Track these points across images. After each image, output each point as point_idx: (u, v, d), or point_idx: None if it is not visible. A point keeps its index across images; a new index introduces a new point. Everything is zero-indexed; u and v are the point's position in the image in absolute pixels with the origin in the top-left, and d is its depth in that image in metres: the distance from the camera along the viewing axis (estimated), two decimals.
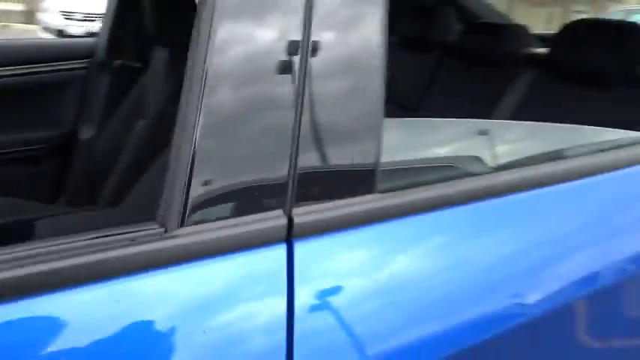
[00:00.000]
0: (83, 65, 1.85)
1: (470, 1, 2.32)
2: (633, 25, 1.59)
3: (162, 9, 1.45)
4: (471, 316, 0.56)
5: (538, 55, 1.86)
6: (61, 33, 8.48)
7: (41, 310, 0.39)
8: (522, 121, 1.54)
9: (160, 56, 1.55)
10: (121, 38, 1.79)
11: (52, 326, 0.39)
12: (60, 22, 8.45)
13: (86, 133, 1.82)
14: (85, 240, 0.43)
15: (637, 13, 9.39)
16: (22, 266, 0.39)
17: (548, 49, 1.76)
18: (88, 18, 8.40)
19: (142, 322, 0.42)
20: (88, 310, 0.42)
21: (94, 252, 0.42)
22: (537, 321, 0.59)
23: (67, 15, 8.47)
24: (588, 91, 1.46)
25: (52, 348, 0.39)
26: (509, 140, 0.84)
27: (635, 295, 0.66)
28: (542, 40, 2.15)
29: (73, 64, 1.85)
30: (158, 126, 1.50)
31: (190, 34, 0.63)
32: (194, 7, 1.35)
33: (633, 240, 0.64)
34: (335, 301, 0.48)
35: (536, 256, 0.61)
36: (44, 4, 8.94)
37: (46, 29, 8.66)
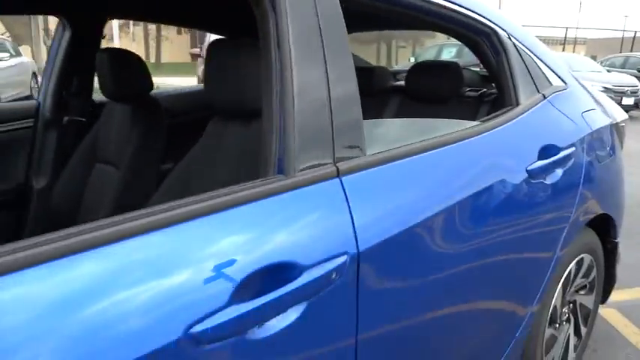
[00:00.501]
0: (26, 125, 2.06)
1: None
2: (453, 63, 2.37)
3: (116, 71, 1.77)
4: None
5: (398, 87, 2.61)
6: None
7: None
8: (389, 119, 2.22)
9: (113, 109, 1.87)
10: (65, 98, 2.06)
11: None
12: None
13: (40, 182, 2.03)
14: None
15: (448, 47, 11.43)
16: None
17: (404, 81, 2.49)
18: None
19: None
20: None
21: None
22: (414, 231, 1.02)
23: None
24: (432, 106, 2.19)
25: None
26: (381, 131, 1.39)
27: (466, 215, 1.19)
28: (397, 73, 2.92)
29: (16, 124, 2.06)
30: (120, 168, 1.82)
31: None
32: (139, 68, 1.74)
33: (461, 183, 1.17)
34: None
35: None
36: None
37: None
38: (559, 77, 1.70)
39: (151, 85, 1.83)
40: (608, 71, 12.51)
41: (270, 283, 0.76)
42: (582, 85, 1.85)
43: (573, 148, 1.51)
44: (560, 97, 1.63)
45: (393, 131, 1.50)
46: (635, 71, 13.13)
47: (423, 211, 1.04)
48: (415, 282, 1.04)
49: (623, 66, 14.17)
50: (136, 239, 0.67)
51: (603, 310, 2.37)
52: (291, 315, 0.78)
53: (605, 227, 1.84)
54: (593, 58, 17.72)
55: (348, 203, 0.90)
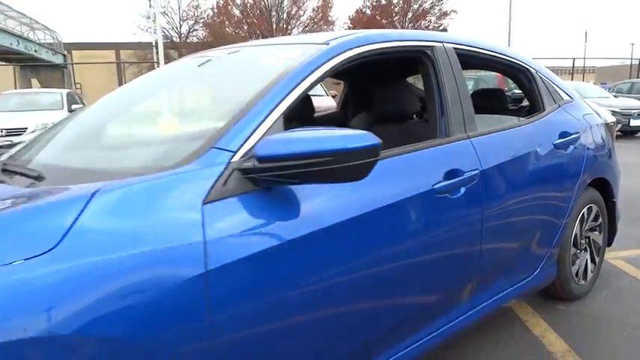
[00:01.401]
0: None
1: None
2: (500, 90, 3.46)
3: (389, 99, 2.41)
4: None
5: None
6: None
7: None
8: None
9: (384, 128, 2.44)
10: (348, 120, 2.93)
11: None
12: None
13: None
14: None
15: (467, 79, 12.67)
16: None
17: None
18: (12, 133, 9.03)
19: None
20: None
21: None
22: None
23: None
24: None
25: None
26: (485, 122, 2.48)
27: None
28: None
29: None
30: None
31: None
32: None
33: (524, 145, 2.23)
34: None
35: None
36: None
37: None
38: (567, 94, 2.77)
39: None
40: (615, 96, 13.52)
41: (452, 176, 1.81)
42: (582, 99, 2.91)
43: (578, 134, 2.57)
44: (568, 105, 2.70)
45: (493, 122, 2.50)
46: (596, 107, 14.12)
47: (507, 156, 2.09)
48: (510, 196, 2.09)
49: (629, 91, 15.17)
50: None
51: (612, 261, 3.35)
52: (462, 190, 1.83)
53: (605, 189, 2.87)
54: (603, 84, 18.81)
55: (475, 151, 1.96)
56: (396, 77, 2.67)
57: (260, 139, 1.34)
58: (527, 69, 2.59)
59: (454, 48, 2.10)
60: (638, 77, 19.19)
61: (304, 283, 1.35)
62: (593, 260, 2.88)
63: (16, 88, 30.98)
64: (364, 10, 46.12)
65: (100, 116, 1.98)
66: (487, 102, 2.75)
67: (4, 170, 1.51)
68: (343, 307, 1.48)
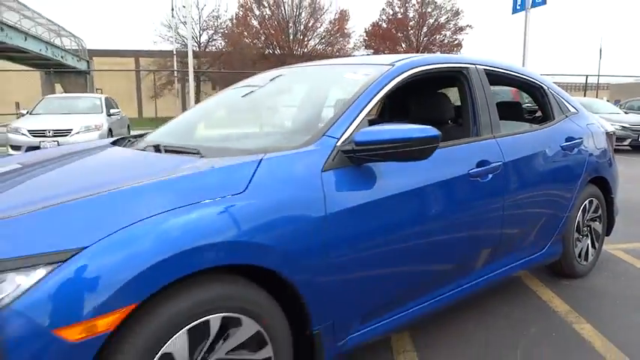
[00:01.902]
0: None
1: None
2: (518, 103, 4.05)
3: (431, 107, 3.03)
4: None
5: None
6: (35, 149, 9.66)
7: None
8: None
9: None
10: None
11: None
12: (31, 140, 9.64)
13: None
14: None
15: None
16: None
17: None
18: (59, 134, 9.76)
19: None
20: None
21: None
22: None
23: (37, 133, 9.70)
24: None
25: None
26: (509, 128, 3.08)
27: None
28: None
29: None
30: None
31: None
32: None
33: (539, 144, 2.86)
34: None
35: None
36: (13, 125, 10.08)
37: (14, 147, 9.76)
38: (574, 107, 3.36)
39: None
40: (626, 113, 14.00)
41: (482, 165, 2.40)
42: (586, 112, 3.50)
43: (581, 139, 3.15)
44: (574, 116, 3.29)
45: (513, 127, 3.08)
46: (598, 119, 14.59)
47: (523, 153, 2.68)
48: (525, 184, 2.67)
49: None
50: None
51: (612, 251, 3.91)
52: (491, 174, 2.42)
53: (604, 186, 3.44)
54: (617, 101, 19.26)
55: (500, 148, 2.55)
56: (430, 90, 3.29)
57: (354, 130, 1.95)
58: (541, 86, 3.20)
59: (484, 69, 2.71)
60: None
61: (377, 227, 1.94)
62: (593, 245, 3.45)
63: (42, 94, 32.07)
64: (380, 23, 46.90)
65: (223, 110, 2.62)
66: (508, 112, 3.34)
67: (165, 150, 2.15)
68: (399, 248, 2.06)
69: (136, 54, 45.85)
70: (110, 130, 10.84)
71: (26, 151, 9.69)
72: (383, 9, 47.09)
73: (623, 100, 17.89)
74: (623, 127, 12.20)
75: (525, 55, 15.43)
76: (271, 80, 2.79)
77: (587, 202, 3.27)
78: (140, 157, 2.13)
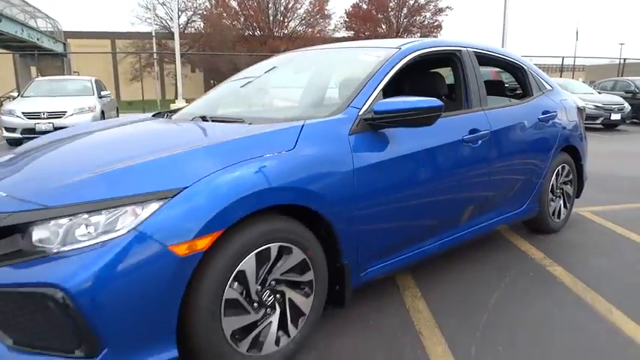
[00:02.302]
0: None
1: None
2: (501, 81, 4.54)
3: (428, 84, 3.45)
4: None
5: None
6: (31, 131, 9.85)
7: None
8: None
9: None
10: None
11: None
12: (25, 122, 9.82)
13: None
14: None
15: None
16: None
17: None
18: (53, 116, 9.94)
19: None
20: None
21: None
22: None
23: (31, 116, 9.88)
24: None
25: None
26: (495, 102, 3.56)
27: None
28: None
29: None
30: None
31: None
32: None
33: (518, 116, 3.34)
34: None
35: None
36: (6, 107, 10.22)
37: (9, 129, 9.93)
38: (549, 85, 3.85)
39: None
40: (599, 93, 14.69)
41: (473, 133, 2.86)
42: (561, 89, 4.00)
43: (555, 112, 3.64)
44: (550, 93, 3.78)
45: (498, 101, 3.54)
46: (623, 92, 15.36)
47: (506, 123, 3.15)
48: (508, 149, 3.14)
49: (613, 88, 16.35)
50: None
51: (583, 213, 4.45)
52: (480, 140, 2.88)
53: (575, 154, 3.95)
54: (592, 82, 20.03)
55: (487, 119, 3.02)
56: (428, 69, 3.73)
57: (372, 102, 2.39)
58: (521, 66, 3.67)
59: (474, 52, 3.16)
60: (620, 76, 20.43)
61: (391, 180, 2.39)
62: (565, 206, 3.97)
63: (16, 76, 31.41)
64: (360, 4, 46.99)
65: (250, 87, 3.04)
66: (493, 89, 3.81)
67: (212, 120, 2.56)
68: (407, 199, 2.50)
69: (112, 36, 45.20)
70: (103, 112, 11.05)
71: (21, 133, 9.91)
72: None
73: (597, 81, 18.62)
74: (596, 107, 12.86)
75: (505, 36, 15.98)
76: (290, 61, 3.19)
77: (559, 167, 3.78)
78: (195, 125, 2.54)
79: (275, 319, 2.03)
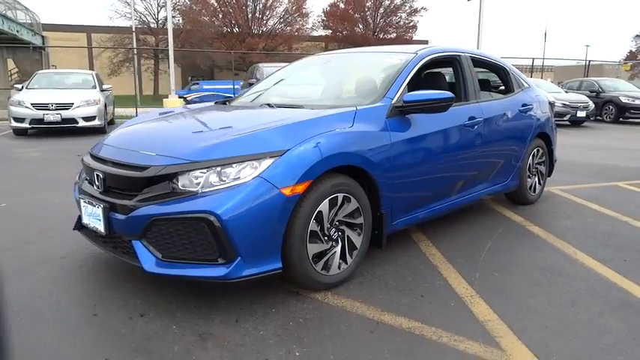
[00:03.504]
0: None
1: None
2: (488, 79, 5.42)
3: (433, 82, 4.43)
4: None
5: None
6: (39, 122, 10.34)
7: None
8: None
9: None
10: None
11: None
12: (34, 113, 10.30)
13: None
14: None
15: None
16: None
17: None
18: (61, 107, 10.45)
19: None
20: None
21: None
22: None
23: (40, 106, 10.36)
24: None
25: None
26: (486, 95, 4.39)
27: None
28: None
29: None
30: None
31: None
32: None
33: (503, 108, 4.18)
34: None
35: None
36: (15, 98, 10.65)
37: (17, 119, 10.39)
38: (526, 83, 4.73)
39: None
40: (566, 92, 15.87)
41: (471, 119, 3.69)
42: (535, 86, 4.88)
43: (532, 105, 4.52)
44: (527, 89, 4.66)
45: (487, 96, 4.38)
46: (588, 92, 16.61)
47: (495, 113, 4.00)
48: (496, 133, 3.99)
49: (579, 88, 17.62)
50: None
51: (553, 190, 5.36)
52: (476, 125, 3.72)
53: (547, 140, 4.84)
54: (560, 82, 21.35)
55: (481, 109, 3.86)
56: (434, 69, 4.55)
57: (401, 93, 3.19)
58: (504, 67, 4.53)
59: (470, 56, 4.00)
60: (586, 76, 21.79)
61: (415, 152, 3.19)
62: (539, 182, 4.86)
63: None
64: (338, 3, 47.83)
65: (296, 82, 3.81)
66: (483, 86, 4.64)
67: (277, 106, 3.32)
68: (425, 167, 3.30)
69: (89, 29, 44.93)
70: (105, 105, 11.58)
71: (30, 123, 10.39)
72: None
73: (565, 82, 19.90)
74: (564, 105, 13.98)
75: (480, 38, 17.01)
76: (325, 63, 4.00)
77: (535, 150, 4.66)
78: (271, 109, 3.29)
79: (338, 250, 2.80)
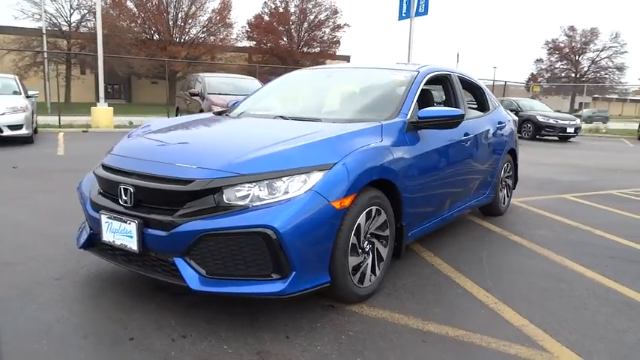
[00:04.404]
0: None
1: None
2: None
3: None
4: None
5: None
6: None
7: None
8: None
9: None
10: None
11: None
12: None
13: None
14: None
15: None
16: None
17: None
18: None
19: None
20: None
21: None
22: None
23: None
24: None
25: None
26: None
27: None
28: None
29: None
30: None
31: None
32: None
33: (481, 127, 4.47)
34: None
35: None
36: None
37: None
38: (497, 102, 5.07)
39: None
40: None
41: (466, 135, 3.91)
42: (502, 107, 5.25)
43: (505, 123, 4.86)
44: (498, 108, 5.00)
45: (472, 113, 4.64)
46: (508, 110, 17.93)
47: (480, 130, 4.26)
48: (481, 148, 4.24)
49: None
50: None
51: (515, 202, 5.76)
52: (469, 141, 3.94)
53: (514, 155, 5.21)
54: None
55: (470, 125, 4.09)
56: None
57: (412, 110, 3.31)
58: (481, 87, 4.84)
59: (458, 76, 4.23)
60: (504, 96, 23.57)
61: (428, 165, 3.33)
62: (507, 195, 5.21)
63: None
64: (263, 15, 47.94)
65: (299, 94, 3.83)
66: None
67: (292, 119, 3.31)
68: (435, 179, 3.46)
69: None
70: (33, 112, 10.74)
71: None
72: (265, 2, 48.18)
73: None
74: None
75: (410, 56, 17.81)
76: (327, 77, 4.05)
77: (506, 164, 5.00)
78: (287, 122, 3.27)
79: (369, 262, 2.84)
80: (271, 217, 2.29)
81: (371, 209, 2.76)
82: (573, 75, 53.88)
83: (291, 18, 47.62)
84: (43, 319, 2.52)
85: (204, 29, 44.80)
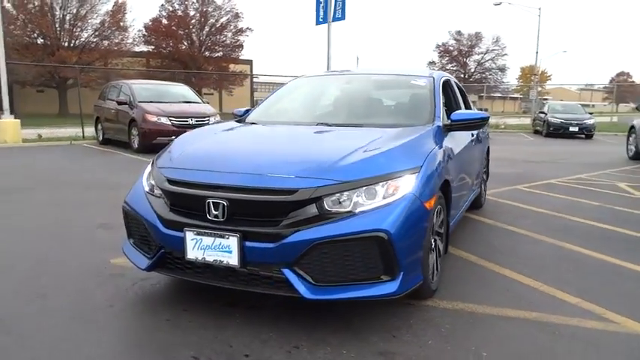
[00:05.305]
0: None
1: None
2: None
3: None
4: None
5: None
6: None
7: None
8: None
9: None
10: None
11: None
12: None
13: None
14: None
15: None
16: None
17: None
18: None
19: None
20: None
21: None
22: None
23: None
24: None
25: None
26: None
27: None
28: None
29: None
30: None
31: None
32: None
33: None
34: None
35: None
36: None
37: None
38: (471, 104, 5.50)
39: None
40: None
41: (474, 135, 4.22)
42: None
43: (486, 131, 5.30)
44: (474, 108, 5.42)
45: None
46: None
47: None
48: (479, 149, 4.60)
49: None
50: None
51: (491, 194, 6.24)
52: (474, 141, 4.26)
53: (488, 152, 5.68)
54: None
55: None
56: None
57: (442, 114, 3.54)
58: (464, 90, 5.22)
59: (454, 82, 4.56)
60: None
61: (459, 163, 3.59)
62: (484, 188, 5.66)
63: None
64: (161, 19, 46.14)
65: (333, 100, 3.92)
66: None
67: (335, 125, 3.38)
68: (464, 174, 3.73)
69: None
70: None
71: None
72: (162, 4, 46.44)
73: None
74: None
75: (329, 60, 18.27)
76: (347, 83, 4.20)
77: (484, 159, 5.44)
78: (336, 129, 3.31)
79: (434, 258, 3.01)
80: (382, 221, 2.36)
81: (439, 208, 2.92)
82: (462, 76, 58.30)
83: (192, 22, 46.35)
84: (123, 344, 2.37)
85: (97, 33, 42.14)
